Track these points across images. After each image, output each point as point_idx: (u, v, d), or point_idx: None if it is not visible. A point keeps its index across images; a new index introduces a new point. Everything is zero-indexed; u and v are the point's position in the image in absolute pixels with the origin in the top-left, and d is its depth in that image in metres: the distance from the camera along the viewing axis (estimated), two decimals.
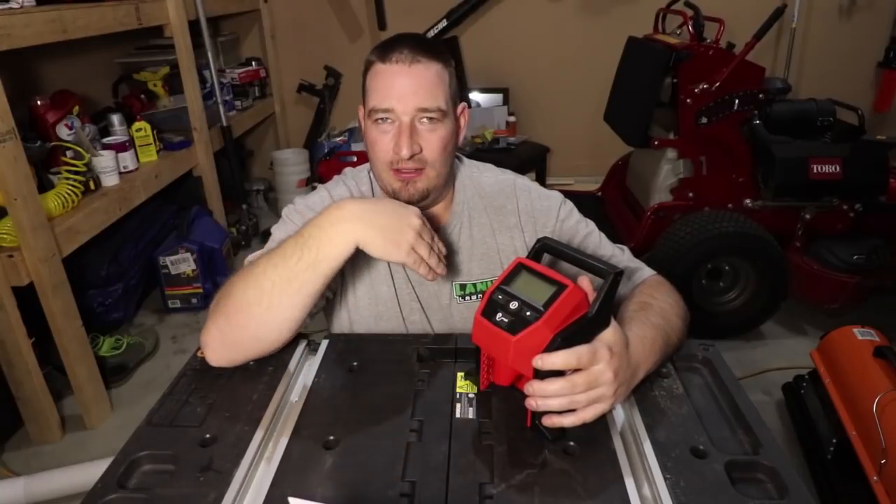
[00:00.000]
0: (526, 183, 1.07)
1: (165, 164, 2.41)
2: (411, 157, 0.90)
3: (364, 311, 1.00)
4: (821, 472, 1.54)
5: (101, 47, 2.74)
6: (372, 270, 1.00)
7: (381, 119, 0.91)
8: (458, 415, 0.73)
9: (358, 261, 0.99)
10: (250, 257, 0.93)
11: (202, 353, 0.83)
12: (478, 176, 1.06)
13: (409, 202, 0.94)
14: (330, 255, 0.78)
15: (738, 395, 0.75)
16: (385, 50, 0.91)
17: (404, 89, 0.89)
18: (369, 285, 0.99)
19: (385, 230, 0.79)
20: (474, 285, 1.02)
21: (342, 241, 0.79)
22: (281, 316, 0.79)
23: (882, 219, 2.24)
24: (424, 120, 0.91)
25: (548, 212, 1.04)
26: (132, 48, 3.12)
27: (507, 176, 1.07)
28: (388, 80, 0.90)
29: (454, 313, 1.02)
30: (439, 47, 0.94)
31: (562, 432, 0.68)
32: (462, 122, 0.99)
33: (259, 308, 0.78)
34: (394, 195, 0.95)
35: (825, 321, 2.20)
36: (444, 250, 0.85)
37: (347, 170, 1.08)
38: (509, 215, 1.03)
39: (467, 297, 1.02)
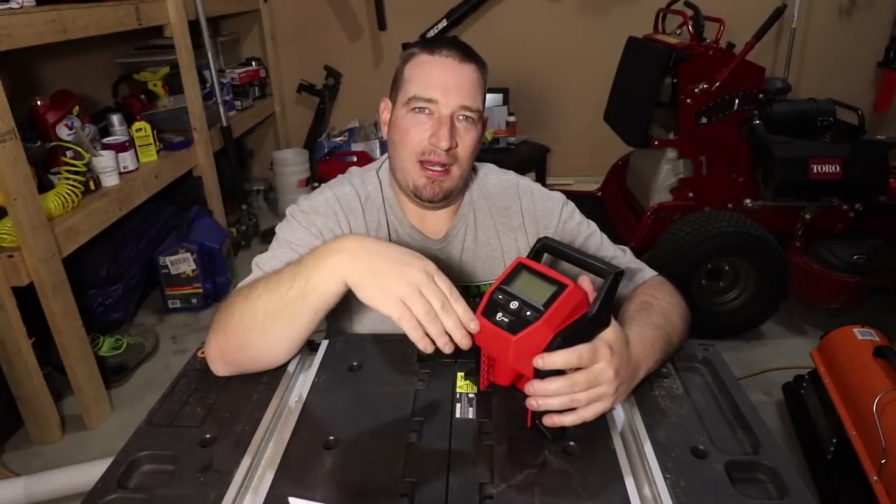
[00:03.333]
0: (528, 184, 1.07)
1: (165, 164, 2.41)
2: (447, 151, 0.91)
3: (364, 318, 1.00)
4: (821, 472, 1.54)
5: (101, 47, 2.74)
6: None
7: (420, 108, 0.91)
8: (458, 415, 0.73)
9: None
10: (256, 259, 0.94)
11: (203, 353, 0.83)
12: (482, 178, 1.06)
13: (431, 200, 0.95)
14: (318, 288, 0.72)
15: (738, 395, 0.75)
16: (432, 45, 0.93)
17: (450, 82, 0.90)
18: None
19: (378, 272, 0.69)
20: (478, 287, 1.02)
21: (330, 275, 0.71)
22: (276, 343, 0.78)
23: (882, 219, 2.24)
24: (462, 118, 0.92)
25: (550, 213, 1.04)
26: (132, 48, 3.12)
27: (510, 177, 1.08)
28: (436, 71, 0.91)
29: None
30: (480, 57, 0.96)
31: (562, 432, 0.68)
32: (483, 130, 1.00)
33: (254, 333, 0.76)
34: (416, 191, 0.95)
35: (825, 321, 2.20)
36: (460, 318, 0.67)
37: (353, 169, 1.07)
38: (513, 217, 1.04)
39: (471, 299, 1.02)
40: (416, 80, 0.92)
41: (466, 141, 0.93)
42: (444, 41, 0.94)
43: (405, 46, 1.00)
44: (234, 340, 0.78)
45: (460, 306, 0.68)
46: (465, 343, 0.67)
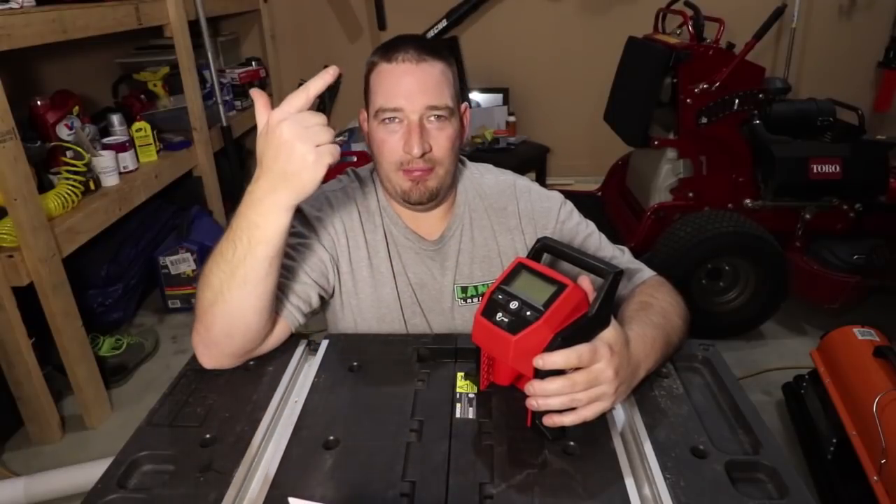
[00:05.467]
0: (526, 184, 1.07)
1: (165, 164, 2.41)
2: (422, 156, 0.90)
3: (367, 314, 1.00)
4: (821, 472, 1.54)
5: (101, 47, 2.74)
6: (375, 273, 1.00)
7: (389, 119, 0.90)
8: (458, 415, 0.73)
9: (360, 262, 0.99)
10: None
11: None
12: (478, 177, 1.06)
13: (419, 202, 0.95)
14: (262, 238, 0.74)
15: (738, 395, 0.75)
16: (388, 50, 0.91)
17: (412, 87, 0.89)
18: (372, 287, 0.99)
19: (286, 173, 0.70)
20: (475, 287, 1.02)
21: (271, 218, 0.73)
22: (241, 308, 0.77)
23: (882, 219, 2.23)
24: (433, 118, 0.91)
25: (548, 213, 1.04)
26: (132, 48, 3.12)
27: (507, 177, 1.07)
28: (395, 79, 0.90)
29: (456, 316, 1.02)
30: (441, 47, 0.95)
31: (562, 432, 0.68)
32: (465, 121, 0.99)
33: (218, 306, 0.77)
34: (403, 196, 0.95)
35: (825, 321, 2.20)
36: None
37: (349, 170, 1.07)
38: (510, 217, 1.03)
39: (469, 300, 1.02)
40: (380, 91, 0.91)
41: (441, 140, 0.92)
42: (401, 43, 0.91)
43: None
44: (205, 320, 0.78)
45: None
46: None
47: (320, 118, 0.70)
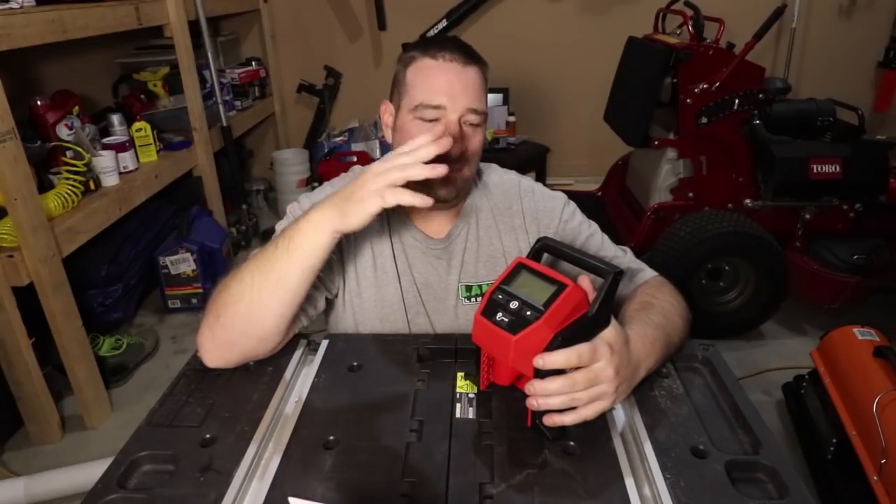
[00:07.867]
0: (530, 184, 1.07)
1: (165, 164, 2.41)
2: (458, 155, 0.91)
3: (370, 313, 1.00)
4: (821, 472, 1.54)
5: (101, 47, 2.74)
6: (379, 273, 0.99)
7: (428, 115, 0.91)
8: (458, 415, 0.73)
9: (364, 262, 0.99)
10: (253, 253, 0.94)
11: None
12: (484, 178, 1.07)
13: (446, 200, 0.95)
14: (304, 244, 0.78)
15: (738, 395, 0.75)
16: (431, 47, 0.92)
17: (456, 88, 0.90)
18: (375, 287, 0.99)
19: (347, 198, 0.76)
20: (480, 286, 1.02)
21: (314, 230, 0.78)
22: (265, 310, 0.79)
23: (882, 219, 2.23)
24: (469, 120, 0.92)
25: (551, 213, 1.04)
26: (132, 48, 3.12)
27: (512, 177, 1.08)
28: (441, 77, 0.90)
29: (459, 315, 1.02)
30: (480, 55, 0.96)
31: (562, 432, 0.68)
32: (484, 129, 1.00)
33: (243, 304, 0.78)
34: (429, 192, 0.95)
35: (825, 321, 2.20)
36: (427, 156, 0.74)
37: (356, 168, 1.07)
38: (514, 216, 1.04)
39: (473, 299, 1.02)
40: (422, 85, 0.91)
41: (475, 142, 0.93)
42: (445, 43, 0.93)
43: (405, 47, 0.99)
44: (225, 317, 0.79)
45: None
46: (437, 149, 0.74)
47: (407, 158, 0.74)
